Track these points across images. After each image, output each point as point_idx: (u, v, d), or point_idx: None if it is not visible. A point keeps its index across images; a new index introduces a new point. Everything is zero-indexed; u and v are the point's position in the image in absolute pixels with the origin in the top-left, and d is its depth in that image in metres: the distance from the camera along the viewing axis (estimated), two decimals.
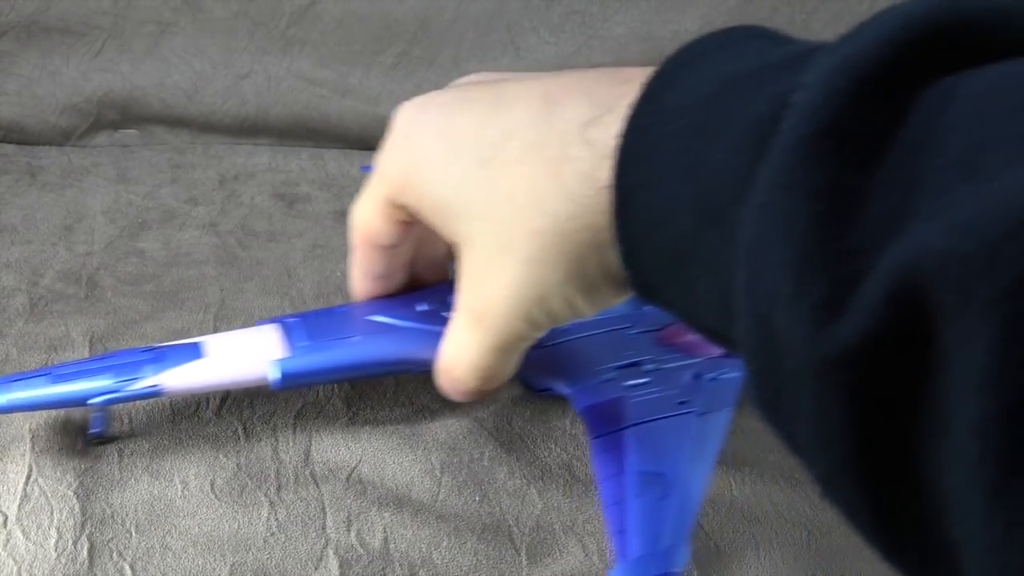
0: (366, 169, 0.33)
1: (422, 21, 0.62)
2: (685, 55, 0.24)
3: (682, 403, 0.35)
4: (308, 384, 0.35)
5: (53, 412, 0.36)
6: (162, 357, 0.33)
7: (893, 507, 0.18)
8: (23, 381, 0.32)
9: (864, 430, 0.17)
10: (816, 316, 0.17)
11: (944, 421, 0.16)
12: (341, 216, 0.54)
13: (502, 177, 0.27)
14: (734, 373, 0.36)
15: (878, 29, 0.18)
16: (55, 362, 0.39)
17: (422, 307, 0.35)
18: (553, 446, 0.38)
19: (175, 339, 0.41)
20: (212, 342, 0.34)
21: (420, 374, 0.34)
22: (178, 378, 0.33)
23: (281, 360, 0.33)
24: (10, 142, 0.58)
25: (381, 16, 0.61)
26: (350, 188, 0.58)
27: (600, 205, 0.25)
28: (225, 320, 0.43)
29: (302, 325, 0.35)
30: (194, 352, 0.34)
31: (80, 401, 0.32)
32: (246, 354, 0.34)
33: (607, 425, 0.34)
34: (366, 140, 0.60)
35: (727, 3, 0.61)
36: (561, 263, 0.27)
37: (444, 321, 0.31)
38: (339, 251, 0.49)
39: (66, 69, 0.59)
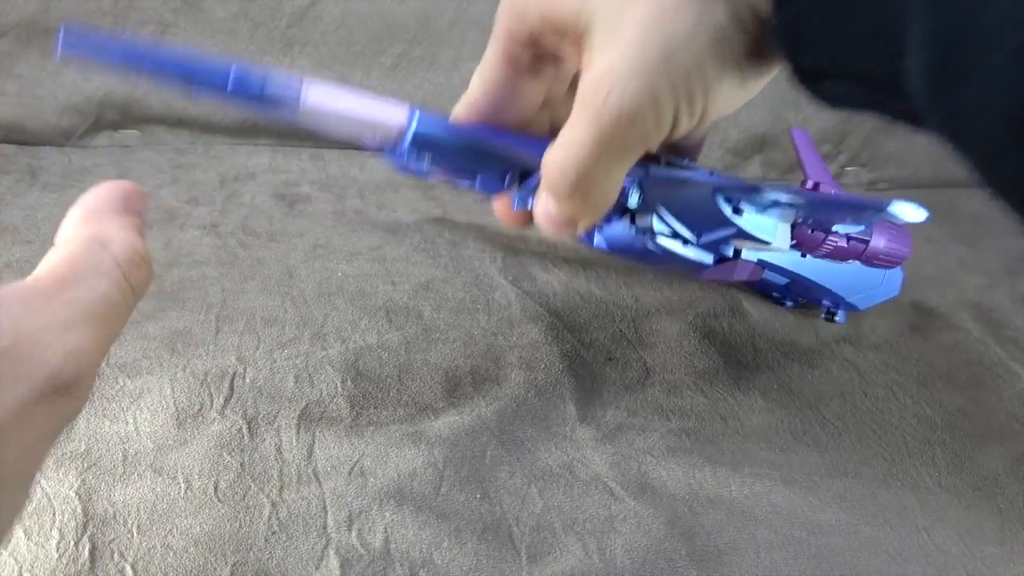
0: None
1: (422, 22, 0.62)
2: None
3: None
4: (432, 150, 0.33)
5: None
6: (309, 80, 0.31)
7: None
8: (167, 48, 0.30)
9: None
10: None
11: None
12: (341, 216, 0.55)
13: None
14: None
15: None
16: None
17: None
18: (554, 447, 0.38)
19: (177, 339, 0.41)
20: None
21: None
22: (322, 93, 0.31)
23: (420, 110, 0.32)
24: (10, 142, 0.58)
25: (381, 17, 0.62)
26: (350, 188, 0.58)
27: None
28: (227, 320, 0.43)
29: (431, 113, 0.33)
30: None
31: (224, 74, 0.29)
32: (385, 101, 0.32)
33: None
34: None
35: None
36: (687, 8, 0.25)
37: None
38: (340, 251, 0.49)
39: (66, 69, 0.59)
